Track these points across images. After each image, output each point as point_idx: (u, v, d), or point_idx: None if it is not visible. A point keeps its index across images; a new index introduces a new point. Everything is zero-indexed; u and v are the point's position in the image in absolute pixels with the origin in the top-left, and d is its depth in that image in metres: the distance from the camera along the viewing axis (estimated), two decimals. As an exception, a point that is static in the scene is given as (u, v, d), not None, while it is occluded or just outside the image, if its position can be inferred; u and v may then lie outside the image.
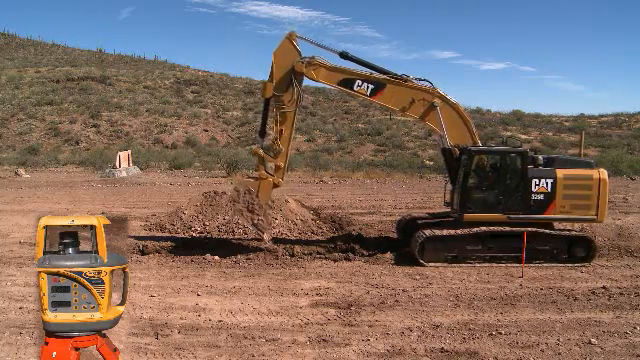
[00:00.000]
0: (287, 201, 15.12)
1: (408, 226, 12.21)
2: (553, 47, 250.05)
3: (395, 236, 13.00)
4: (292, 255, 11.21)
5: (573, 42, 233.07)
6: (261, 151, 11.32)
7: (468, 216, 10.74)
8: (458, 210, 10.92)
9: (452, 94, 11.22)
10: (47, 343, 3.21)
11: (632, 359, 6.29)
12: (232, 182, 26.56)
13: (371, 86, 11.08)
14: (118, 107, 51.62)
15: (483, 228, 10.56)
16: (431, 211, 14.16)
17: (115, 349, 3.43)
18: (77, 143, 44.03)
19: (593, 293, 8.78)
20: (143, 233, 13.64)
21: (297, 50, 11.05)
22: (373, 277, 9.77)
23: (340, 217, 15.30)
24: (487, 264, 10.55)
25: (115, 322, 3.34)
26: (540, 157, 11.31)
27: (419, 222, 12.17)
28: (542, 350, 6.46)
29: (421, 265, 10.42)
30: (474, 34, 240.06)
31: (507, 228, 10.60)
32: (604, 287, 9.06)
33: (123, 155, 31.28)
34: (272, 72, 11.10)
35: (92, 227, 3.22)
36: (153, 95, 58.07)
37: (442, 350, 6.43)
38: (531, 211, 10.71)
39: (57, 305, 3.18)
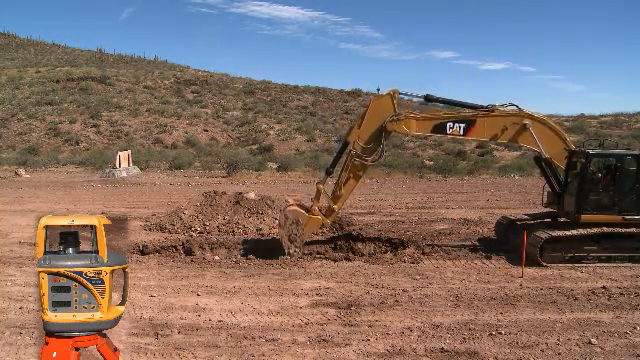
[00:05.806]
0: (287, 201, 15.11)
1: (511, 228, 12.37)
2: (553, 47, 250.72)
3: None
4: (292, 255, 11.20)
5: (573, 42, 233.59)
6: (322, 187, 11.41)
7: (584, 217, 10.83)
8: (574, 212, 11.01)
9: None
10: (47, 343, 3.20)
11: (632, 359, 6.29)
12: (232, 182, 26.56)
13: (462, 125, 11.17)
14: (118, 107, 51.64)
15: (603, 229, 10.62)
16: (528, 212, 14.05)
17: (115, 349, 3.43)
18: (77, 143, 44.05)
19: (593, 293, 8.77)
20: (143, 233, 13.65)
21: (394, 108, 11.12)
22: (373, 277, 9.77)
23: (340, 217, 15.29)
24: (600, 264, 10.62)
25: (115, 322, 3.34)
26: None
27: (519, 223, 12.33)
28: (542, 350, 6.46)
29: (541, 266, 10.46)
30: (474, 34, 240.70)
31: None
32: (604, 287, 9.06)
33: (123, 155, 31.29)
34: (363, 119, 11.19)
35: (92, 227, 3.21)
36: (153, 95, 58.09)
37: (442, 350, 6.43)
38: None
39: (57, 305, 3.17)
